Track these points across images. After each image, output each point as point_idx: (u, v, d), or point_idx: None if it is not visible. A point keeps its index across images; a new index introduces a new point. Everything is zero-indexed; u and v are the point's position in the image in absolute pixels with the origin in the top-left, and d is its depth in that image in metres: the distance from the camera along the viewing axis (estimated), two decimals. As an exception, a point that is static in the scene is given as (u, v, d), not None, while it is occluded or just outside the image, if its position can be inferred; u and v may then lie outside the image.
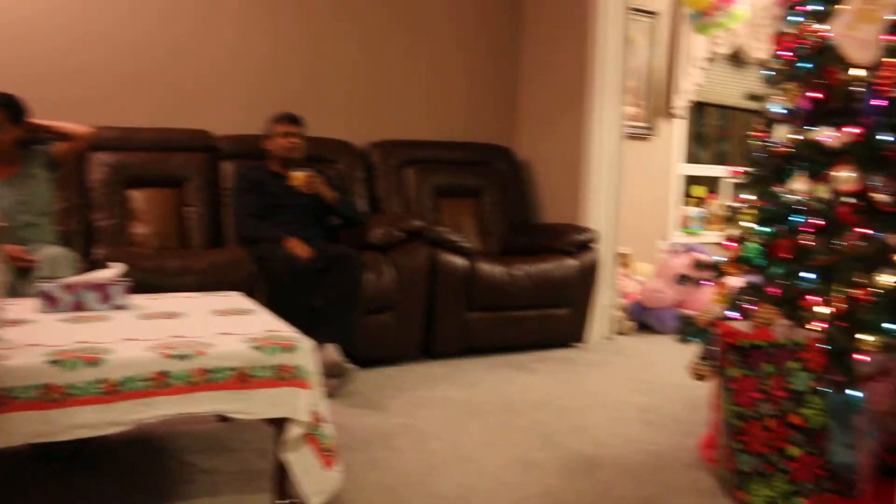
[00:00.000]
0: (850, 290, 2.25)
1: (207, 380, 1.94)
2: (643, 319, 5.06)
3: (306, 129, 3.83)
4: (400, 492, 2.26)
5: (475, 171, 4.79)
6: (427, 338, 3.90)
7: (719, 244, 2.78)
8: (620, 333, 4.85)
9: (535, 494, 2.26)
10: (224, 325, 2.21)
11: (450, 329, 3.93)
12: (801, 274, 2.40)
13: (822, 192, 2.43)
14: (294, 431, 1.99)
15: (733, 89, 6.50)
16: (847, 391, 2.14)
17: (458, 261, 3.92)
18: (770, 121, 2.67)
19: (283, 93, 4.32)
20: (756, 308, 2.35)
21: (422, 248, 3.81)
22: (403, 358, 3.79)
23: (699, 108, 6.49)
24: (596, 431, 2.85)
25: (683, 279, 4.90)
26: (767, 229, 2.54)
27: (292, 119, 3.76)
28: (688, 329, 2.73)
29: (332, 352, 3.13)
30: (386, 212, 4.34)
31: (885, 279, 2.23)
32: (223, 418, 2.59)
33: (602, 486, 2.34)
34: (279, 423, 2.01)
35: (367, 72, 4.65)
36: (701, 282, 2.83)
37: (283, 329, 2.18)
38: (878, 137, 2.29)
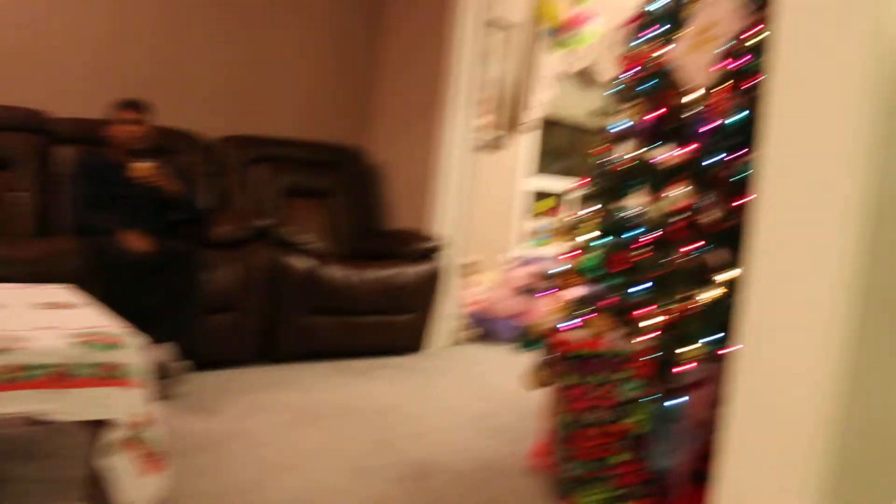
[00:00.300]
0: (676, 303, 2.36)
1: (21, 377, 1.79)
2: (484, 328, 5.13)
3: (153, 117, 3.61)
4: (227, 500, 2.17)
5: (327, 172, 4.71)
6: (268, 341, 3.78)
7: (560, 255, 2.84)
8: (462, 342, 4.89)
9: (366, 501, 2.22)
10: (45, 319, 2.05)
11: (292, 332, 3.83)
12: (634, 286, 2.51)
13: (657, 208, 2.53)
14: (115, 434, 1.86)
15: (581, 107, 6.74)
16: (670, 400, 2.24)
17: (303, 263, 3.83)
18: (613, 137, 2.77)
19: (129, 77, 4.08)
20: (592, 318, 2.42)
21: (266, 248, 3.70)
22: (242, 361, 3.66)
23: (549, 124, 6.69)
24: (432, 438, 2.85)
25: (524, 290, 5.04)
26: (606, 241, 2.62)
27: (135, 105, 3.54)
28: (525, 338, 2.78)
29: (166, 352, 2.98)
30: (233, 209, 4.19)
31: (705, 294, 2.35)
32: (36, 421, 2.40)
33: (433, 493, 2.33)
34: (100, 426, 1.88)
35: (223, 63, 4.48)
36: (542, 292, 2.88)
37: (109, 325, 2.04)
38: (708, 159, 2.42)
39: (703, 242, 2.43)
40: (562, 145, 7.03)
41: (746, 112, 2.43)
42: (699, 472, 2.50)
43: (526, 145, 6.28)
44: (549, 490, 2.38)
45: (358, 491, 2.29)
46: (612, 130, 2.79)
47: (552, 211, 6.74)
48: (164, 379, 2.89)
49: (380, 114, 5.08)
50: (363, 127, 5.09)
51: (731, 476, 1.83)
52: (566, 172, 7.03)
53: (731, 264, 2.38)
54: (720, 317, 2.36)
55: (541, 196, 6.68)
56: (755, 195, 1.82)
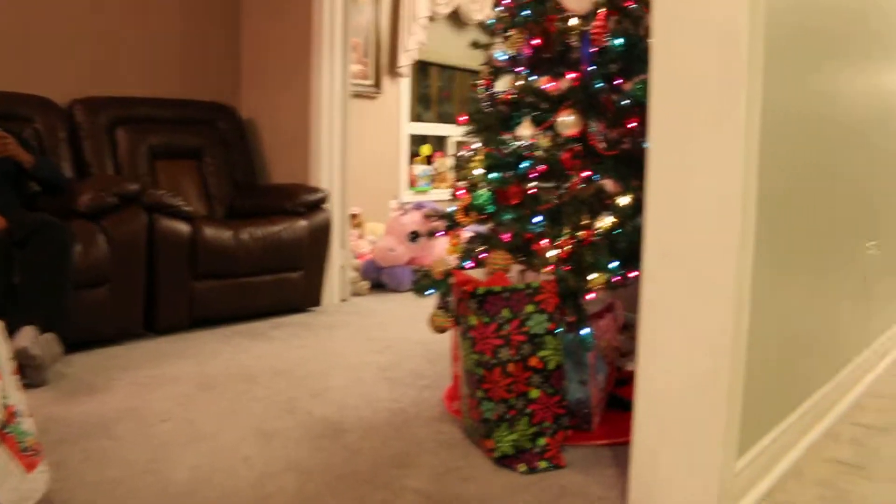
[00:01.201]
0: (575, 232, 2.32)
1: None
2: (378, 279, 5.04)
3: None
4: (127, 484, 2.01)
5: (195, 131, 4.44)
6: (150, 312, 3.56)
7: (450, 196, 2.77)
8: (356, 294, 4.79)
9: (279, 467, 2.11)
10: None
11: (175, 301, 3.63)
12: (529, 219, 2.46)
13: (546, 138, 2.48)
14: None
15: (454, 49, 6.65)
16: (578, 330, 2.22)
17: (180, 226, 3.61)
18: (494, 69, 2.69)
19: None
20: (490, 255, 2.36)
21: (138, 214, 3.45)
22: (125, 336, 3.44)
23: (423, 68, 6.57)
24: (338, 394, 2.76)
25: (415, 235, 4.96)
26: (496, 176, 2.56)
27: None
28: (423, 282, 2.70)
29: (36, 335, 2.75)
30: (97, 176, 3.90)
31: (603, 221, 2.33)
32: None
33: (348, 449, 2.24)
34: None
35: (70, 19, 4.09)
36: (435, 235, 2.80)
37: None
38: (594, 84, 2.38)
39: (594, 170, 2.40)
40: (438, 89, 6.93)
41: (628, 35, 2.41)
42: (613, 398, 2.52)
43: (404, 91, 6.15)
44: (466, 434, 2.34)
45: (269, 456, 2.18)
46: (492, 62, 2.71)
47: (434, 156, 6.67)
48: (34, 365, 2.68)
49: (250, 66, 4.83)
50: (234, 81, 4.83)
51: (648, 397, 1.82)
52: (442, 118, 6.95)
53: (626, 190, 2.36)
54: (619, 243, 2.35)
55: (421, 141, 6.59)
56: (650, 119, 1.78)
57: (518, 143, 2.51)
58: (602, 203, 2.45)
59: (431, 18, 6.25)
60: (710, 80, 1.67)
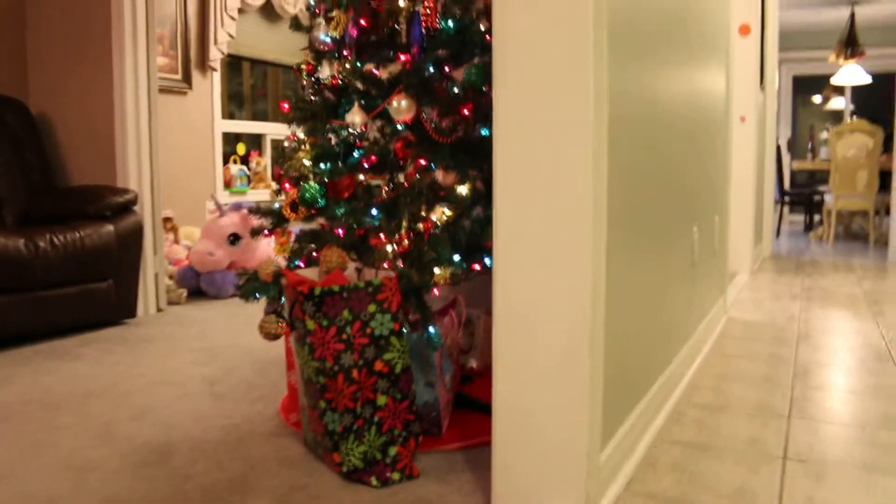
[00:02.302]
0: (413, 225, 2.20)
1: None
2: (196, 285, 4.72)
3: None
4: None
5: (-24, 130, 3.95)
6: (-71, 336, 3.12)
7: (274, 191, 2.56)
8: (173, 303, 4.46)
9: (99, 502, 1.84)
10: None
11: (-40, 322, 3.19)
12: (362, 213, 2.31)
13: (381, 127, 2.34)
14: None
15: (268, 43, 6.37)
16: (424, 328, 2.09)
17: (-37, 237, 3.17)
18: (317, 53, 2.51)
19: None
20: (323, 252, 2.18)
21: None
22: None
23: (235, 64, 6.25)
24: (161, 414, 2.48)
25: (235, 238, 4.67)
26: (326, 167, 2.38)
27: None
28: (250, 286, 2.48)
29: None
30: None
31: (440, 212, 2.23)
32: None
33: (177, 476, 2.00)
34: None
35: None
36: (262, 233, 2.58)
37: None
38: (426, 68, 2.27)
39: (429, 159, 2.29)
40: (252, 86, 6.62)
41: (458, 18, 2.31)
42: (460, 396, 2.42)
43: (215, 87, 5.81)
44: (309, 448, 2.15)
45: (82, 494, 1.89)
46: (315, 46, 2.53)
47: (250, 155, 6.36)
48: None
49: (38, 55, 4.35)
50: (18, 71, 4.34)
51: (507, 395, 1.72)
52: (259, 115, 6.65)
53: (464, 179, 2.26)
54: (458, 235, 2.25)
55: (236, 140, 6.27)
56: (494, 104, 1.68)
57: (348, 132, 2.35)
58: (438, 194, 2.34)
59: (242, 10, 5.95)
60: (557, 62, 1.59)
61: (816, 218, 9.27)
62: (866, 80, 9.54)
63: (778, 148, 8.17)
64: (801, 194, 8.92)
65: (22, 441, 2.25)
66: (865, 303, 4.53)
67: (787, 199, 8.87)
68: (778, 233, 8.69)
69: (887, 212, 7.78)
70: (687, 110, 2.78)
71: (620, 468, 1.93)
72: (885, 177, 7.45)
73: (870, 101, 10.75)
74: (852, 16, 9.08)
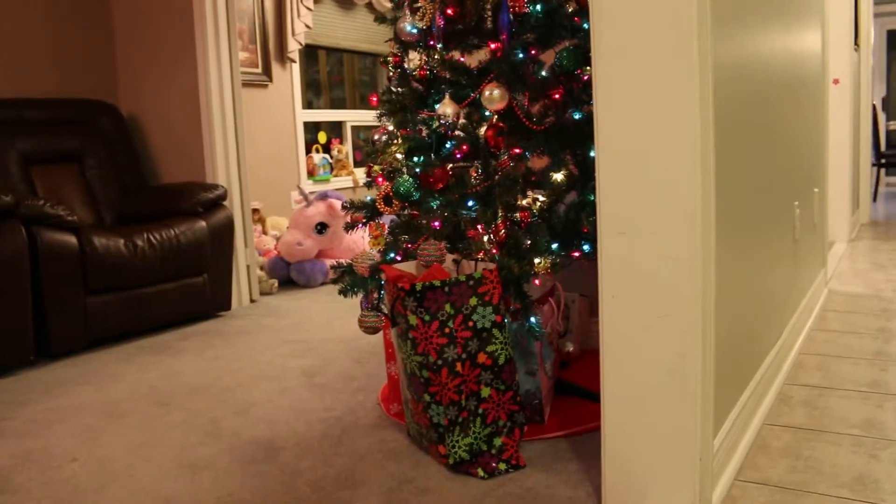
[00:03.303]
0: (510, 214, 2.17)
1: None
2: (287, 275, 4.80)
3: None
4: (32, 542, 1.75)
5: (73, 132, 4.08)
6: (41, 335, 3.24)
7: (367, 183, 2.56)
8: (265, 294, 4.54)
9: (213, 501, 1.89)
10: None
11: (68, 320, 3.30)
12: (458, 204, 2.29)
13: (469, 115, 2.32)
14: None
15: (343, 31, 6.40)
16: (524, 318, 2.07)
17: (65, 238, 3.28)
18: (403, 44, 2.49)
19: None
20: (421, 246, 2.18)
21: (15, 228, 3.11)
22: (14, 365, 3.11)
23: (310, 53, 6.30)
24: (265, 409, 2.53)
25: (322, 227, 4.72)
26: (417, 160, 2.37)
27: None
28: (347, 279, 2.50)
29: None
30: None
31: (537, 200, 2.19)
32: None
33: (285, 472, 2.03)
34: None
35: None
36: (356, 227, 2.59)
37: None
38: (515, 54, 2.23)
39: (523, 147, 2.25)
40: (328, 74, 6.67)
41: (547, 1, 2.26)
42: (559, 383, 2.39)
43: (295, 78, 5.87)
44: (413, 440, 2.16)
45: (196, 492, 1.94)
46: (400, 37, 2.51)
47: (331, 143, 6.42)
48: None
49: (127, 60, 4.46)
50: (110, 77, 4.46)
51: (616, 387, 1.68)
52: (337, 103, 6.70)
53: (559, 165, 2.22)
54: (555, 222, 2.22)
55: (315, 129, 6.33)
56: (595, 88, 1.63)
57: (440, 123, 2.33)
58: (532, 181, 2.31)
59: (317, 0, 5.98)
60: (658, 40, 1.53)
61: (915, 180, 8.84)
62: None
63: (873, 108, 7.82)
64: (899, 156, 8.54)
65: (135, 439, 2.33)
66: (977, 270, 4.31)
67: (883, 161, 8.49)
68: (875, 197, 8.33)
69: None
70: (788, 76, 2.67)
71: (732, 455, 1.87)
72: None
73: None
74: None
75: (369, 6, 6.40)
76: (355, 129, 6.67)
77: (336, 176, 6.29)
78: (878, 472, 1.86)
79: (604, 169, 1.63)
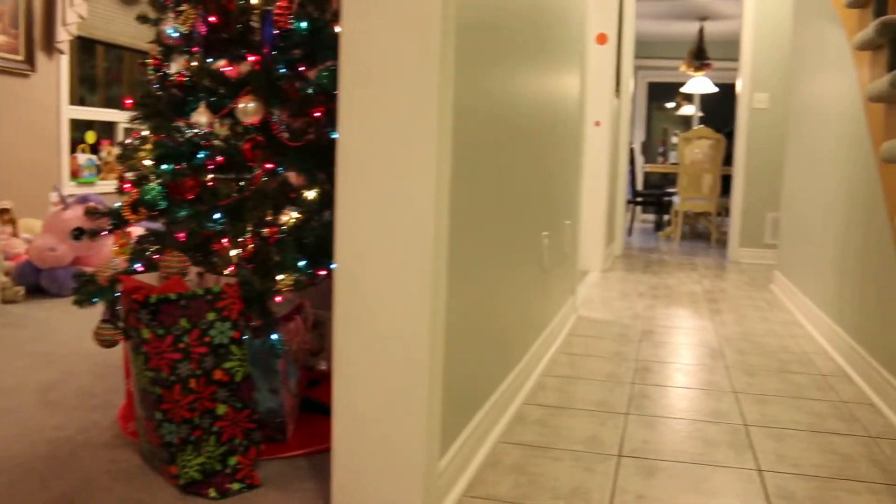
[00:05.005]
0: (259, 229, 2.15)
1: None
2: (36, 283, 4.45)
3: None
4: None
5: None
6: None
7: (117, 189, 2.44)
8: (9, 302, 4.19)
9: None
10: None
11: None
12: (206, 216, 2.24)
13: (225, 126, 2.28)
14: None
15: (123, 27, 6.10)
16: (266, 335, 2.05)
17: None
18: (165, 48, 2.41)
19: None
20: (163, 257, 2.11)
21: None
22: None
23: (87, 47, 5.94)
24: (-16, 426, 2.33)
25: (79, 233, 4.44)
26: (168, 168, 2.29)
27: None
28: (86, 289, 2.36)
29: None
30: None
31: (288, 216, 2.19)
32: None
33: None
34: None
35: None
36: (100, 234, 2.46)
37: None
38: (277, 69, 2.22)
39: (277, 162, 2.24)
40: (105, 71, 6.32)
41: (313, 19, 2.27)
42: (307, 401, 2.39)
43: (63, 70, 5.50)
44: (146, 460, 2.06)
45: None
46: (162, 40, 2.42)
47: (101, 143, 6.07)
48: None
49: None
50: None
51: (346, 404, 1.71)
52: (109, 102, 6.36)
53: (312, 183, 2.24)
54: (306, 240, 2.22)
55: (86, 127, 5.97)
56: (339, 109, 1.66)
57: (194, 131, 2.27)
58: (286, 197, 2.30)
59: (92, -10, 5.66)
60: (404, 69, 1.59)
61: (666, 218, 9.74)
62: (713, 89, 10.11)
63: (632, 150, 8.52)
64: (653, 195, 9.35)
65: None
66: (704, 301, 4.79)
67: (639, 199, 9.27)
68: (630, 231, 9.07)
69: (728, 213, 8.26)
70: (544, 116, 2.84)
71: (462, 473, 1.96)
72: (727, 180, 7.90)
73: (717, 109, 11.38)
74: (701, 30, 9.60)
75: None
76: (129, 130, 6.35)
77: (103, 179, 5.95)
78: (591, 484, 2.02)
79: (342, 191, 1.67)
